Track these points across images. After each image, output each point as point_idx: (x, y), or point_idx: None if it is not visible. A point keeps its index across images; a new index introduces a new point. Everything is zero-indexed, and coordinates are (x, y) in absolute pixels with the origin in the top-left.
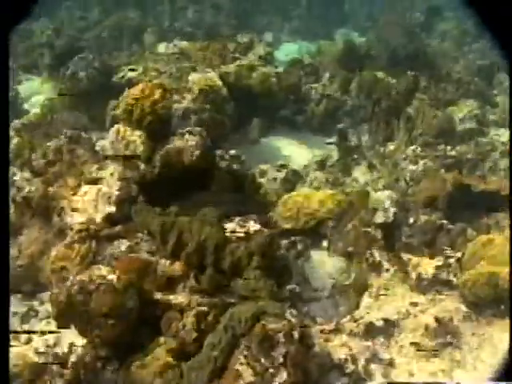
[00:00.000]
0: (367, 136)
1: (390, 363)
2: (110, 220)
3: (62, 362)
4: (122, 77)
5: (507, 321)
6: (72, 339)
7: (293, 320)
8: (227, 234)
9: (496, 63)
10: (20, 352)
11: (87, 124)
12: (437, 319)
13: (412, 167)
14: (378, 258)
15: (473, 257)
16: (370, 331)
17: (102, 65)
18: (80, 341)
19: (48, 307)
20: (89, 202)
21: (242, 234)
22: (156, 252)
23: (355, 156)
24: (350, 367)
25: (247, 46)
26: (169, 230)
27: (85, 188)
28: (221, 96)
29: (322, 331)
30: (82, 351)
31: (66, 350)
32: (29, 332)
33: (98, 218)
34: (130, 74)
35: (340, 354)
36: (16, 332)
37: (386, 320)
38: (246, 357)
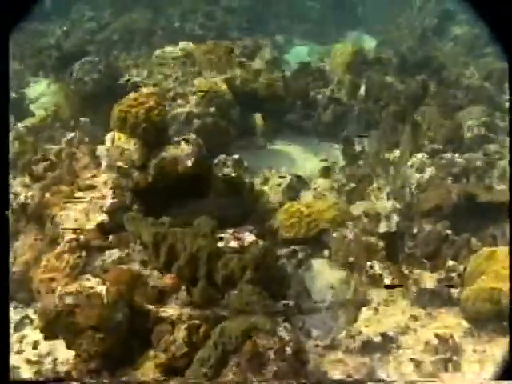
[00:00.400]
0: (374, 142)
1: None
2: (101, 229)
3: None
4: (128, 80)
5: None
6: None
7: (286, 336)
8: (221, 246)
9: (507, 68)
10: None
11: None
12: (437, 335)
13: (418, 175)
14: (379, 271)
15: (475, 271)
16: (367, 347)
17: (107, 67)
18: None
19: None
20: (81, 211)
21: (236, 246)
22: (148, 263)
23: (361, 163)
24: None
25: (254, 50)
26: (161, 240)
27: (77, 196)
28: (225, 100)
29: (316, 346)
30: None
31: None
32: None
33: (90, 227)
34: (136, 78)
35: (335, 370)
36: None
37: (384, 335)
38: (235, 374)
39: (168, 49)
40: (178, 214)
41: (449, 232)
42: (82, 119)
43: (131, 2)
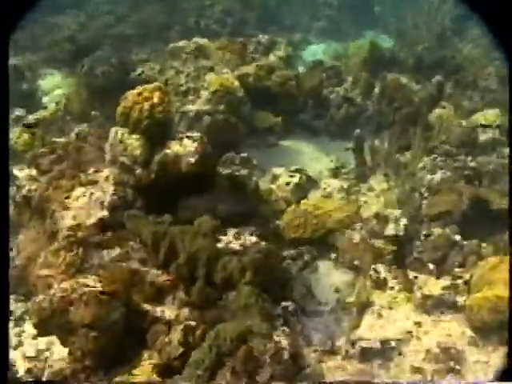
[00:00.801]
0: (386, 143)
1: None
2: (101, 225)
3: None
4: (140, 74)
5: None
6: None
7: (283, 340)
8: (221, 247)
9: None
10: None
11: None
12: (440, 344)
13: (429, 177)
14: (383, 275)
15: (481, 279)
16: (367, 354)
17: (119, 61)
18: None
19: None
20: (81, 206)
21: (236, 247)
22: (147, 262)
23: (372, 163)
24: None
25: (268, 47)
26: (161, 239)
27: (78, 191)
28: (237, 97)
29: (315, 351)
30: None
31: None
32: None
33: (89, 223)
34: (148, 72)
35: (334, 376)
36: None
37: (385, 342)
38: (229, 377)
39: (181, 43)
40: (180, 211)
41: (458, 237)
42: (93, 112)
43: None
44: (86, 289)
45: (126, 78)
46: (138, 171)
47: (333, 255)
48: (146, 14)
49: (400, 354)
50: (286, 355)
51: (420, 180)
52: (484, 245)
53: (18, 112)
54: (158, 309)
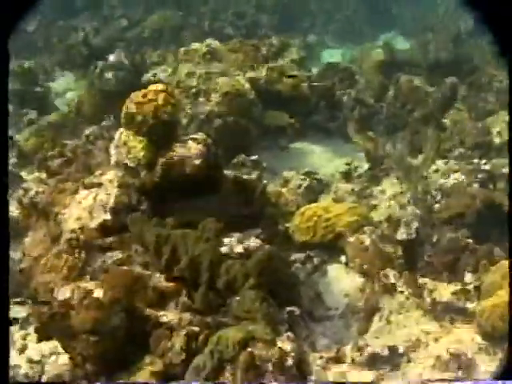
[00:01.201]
0: (399, 146)
1: None
2: (104, 229)
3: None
4: (152, 77)
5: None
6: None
7: (287, 346)
8: (225, 250)
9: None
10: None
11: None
12: (449, 351)
13: (442, 180)
14: (393, 280)
15: (492, 285)
16: (374, 361)
17: (132, 64)
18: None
19: None
20: (84, 209)
21: (240, 251)
22: (149, 265)
23: (385, 166)
24: None
25: (281, 49)
26: (163, 242)
27: (82, 194)
28: (248, 100)
29: (321, 358)
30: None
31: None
32: None
33: (92, 226)
34: (160, 75)
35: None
36: None
37: (392, 348)
38: None
39: (193, 46)
40: (185, 214)
41: (470, 241)
42: (106, 116)
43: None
44: (87, 293)
45: (138, 81)
46: (142, 174)
47: (343, 259)
48: (160, 18)
49: (409, 361)
50: (289, 361)
51: (433, 183)
52: (497, 249)
53: (30, 115)
54: (161, 313)
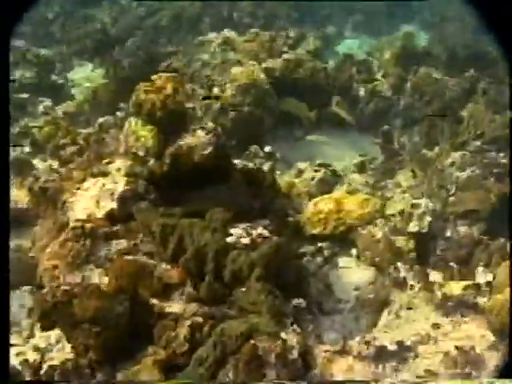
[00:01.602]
0: (416, 138)
1: None
2: (111, 217)
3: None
4: (167, 66)
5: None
6: None
7: (292, 339)
8: (232, 241)
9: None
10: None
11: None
12: (458, 347)
13: (458, 174)
14: (403, 273)
15: (503, 280)
16: (381, 355)
17: (147, 53)
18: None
19: None
20: (91, 198)
21: (247, 241)
22: (155, 255)
23: (400, 159)
24: None
25: (298, 40)
26: (170, 232)
27: (88, 182)
28: (263, 90)
29: (326, 351)
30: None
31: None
32: None
33: (99, 215)
34: (175, 64)
35: (344, 377)
36: None
37: (400, 343)
38: (232, 376)
39: (209, 36)
40: (193, 204)
41: (484, 236)
42: (120, 105)
43: None
44: (91, 281)
45: (153, 70)
46: (151, 163)
47: (354, 252)
48: (179, 7)
49: (416, 356)
50: (293, 354)
51: (448, 176)
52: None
53: (45, 103)
54: (166, 304)
